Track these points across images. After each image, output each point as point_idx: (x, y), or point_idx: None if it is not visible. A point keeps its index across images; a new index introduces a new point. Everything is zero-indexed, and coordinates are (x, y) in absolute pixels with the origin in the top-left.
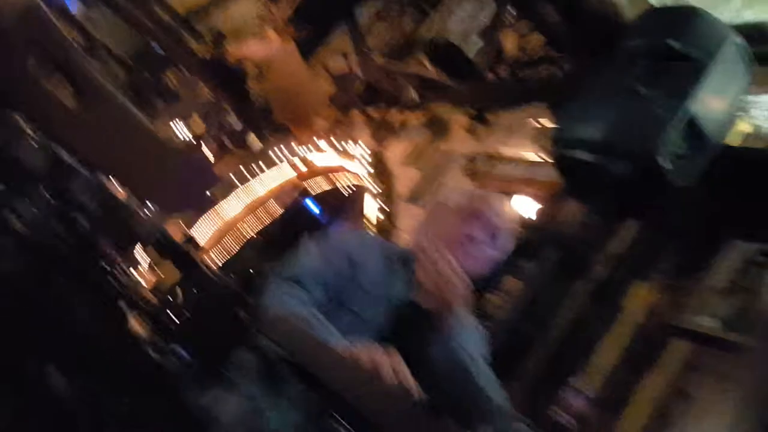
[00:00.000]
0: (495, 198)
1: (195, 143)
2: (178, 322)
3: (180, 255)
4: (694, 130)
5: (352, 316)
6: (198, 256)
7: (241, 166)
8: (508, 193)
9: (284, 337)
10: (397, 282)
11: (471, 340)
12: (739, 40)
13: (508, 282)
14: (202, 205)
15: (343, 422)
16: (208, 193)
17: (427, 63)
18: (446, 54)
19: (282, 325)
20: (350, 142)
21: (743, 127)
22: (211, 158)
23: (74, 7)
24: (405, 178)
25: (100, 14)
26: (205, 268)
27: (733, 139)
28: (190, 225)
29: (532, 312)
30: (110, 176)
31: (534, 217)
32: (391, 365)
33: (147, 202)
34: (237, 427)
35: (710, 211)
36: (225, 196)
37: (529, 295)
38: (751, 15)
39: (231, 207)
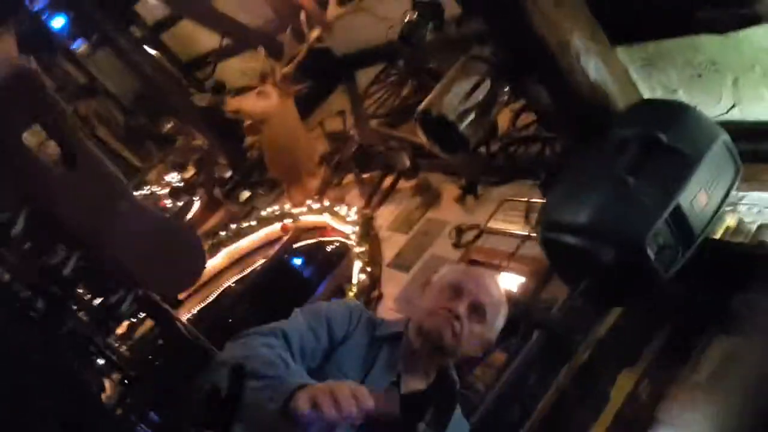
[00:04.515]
0: (480, 273)
1: (185, 191)
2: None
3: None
4: (679, 222)
5: None
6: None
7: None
8: (495, 267)
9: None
10: (379, 365)
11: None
12: (727, 137)
13: (494, 356)
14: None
15: None
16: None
17: (420, 134)
18: (438, 126)
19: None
20: (340, 202)
21: (730, 221)
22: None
23: (77, 44)
24: (392, 243)
25: (103, 55)
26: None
27: (717, 233)
28: None
29: (513, 394)
30: (96, 251)
31: (518, 293)
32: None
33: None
34: None
35: (693, 302)
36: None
37: (512, 376)
38: (738, 113)
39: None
